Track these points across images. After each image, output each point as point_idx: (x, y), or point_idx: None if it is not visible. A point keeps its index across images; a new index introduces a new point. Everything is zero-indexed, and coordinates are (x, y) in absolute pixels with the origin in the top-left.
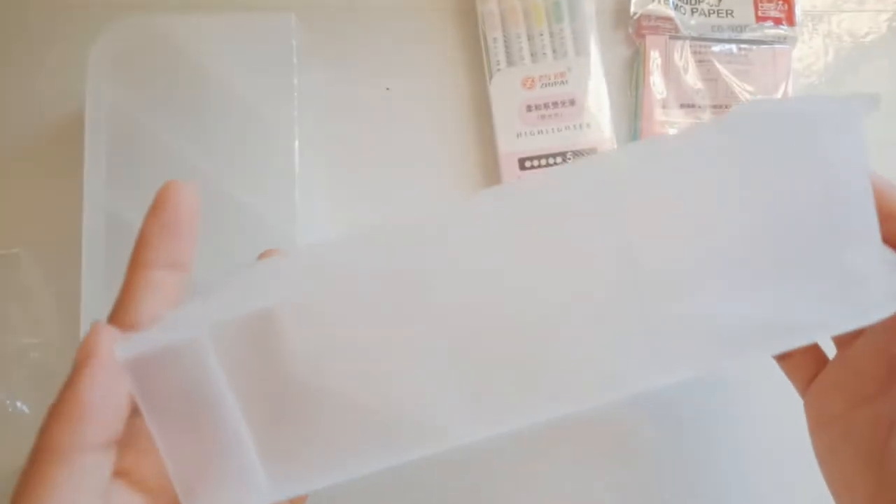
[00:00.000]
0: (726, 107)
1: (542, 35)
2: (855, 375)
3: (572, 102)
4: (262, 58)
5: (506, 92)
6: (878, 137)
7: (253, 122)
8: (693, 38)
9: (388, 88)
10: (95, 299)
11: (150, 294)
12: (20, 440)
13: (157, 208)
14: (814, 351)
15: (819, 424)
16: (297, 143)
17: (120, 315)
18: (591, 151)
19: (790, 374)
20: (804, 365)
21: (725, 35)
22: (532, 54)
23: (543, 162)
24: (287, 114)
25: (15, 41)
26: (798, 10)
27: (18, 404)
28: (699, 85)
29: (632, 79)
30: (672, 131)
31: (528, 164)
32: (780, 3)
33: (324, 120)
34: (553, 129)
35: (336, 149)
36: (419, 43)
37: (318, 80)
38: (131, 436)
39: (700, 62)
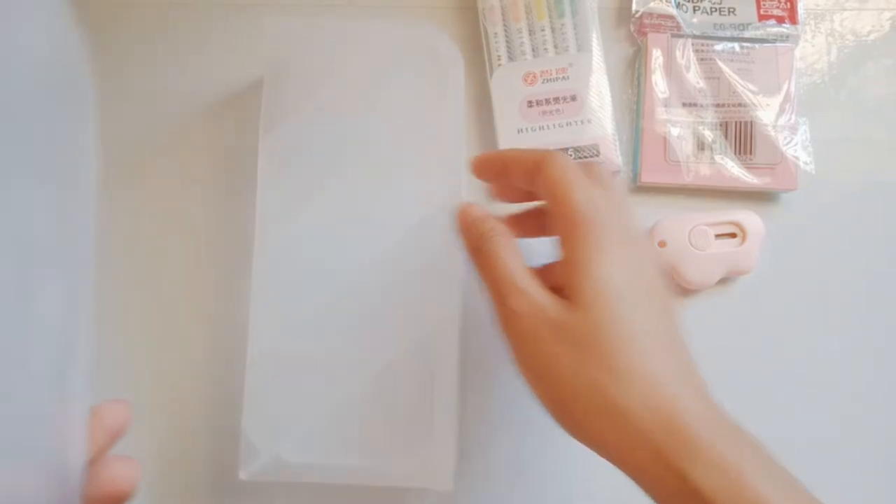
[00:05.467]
0: (728, 105)
1: (543, 30)
2: None
3: (573, 98)
4: None
5: (507, 87)
6: (885, 140)
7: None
8: (695, 37)
9: None
10: None
11: None
12: None
13: None
14: None
15: None
16: None
17: None
18: (593, 147)
19: None
20: None
21: (728, 33)
22: (533, 49)
23: None
24: None
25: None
26: (800, 9)
27: None
28: (701, 83)
29: (633, 77)
30: (674, 130)
31: None
32: (783, 1)
33: None
34: (554, 125)
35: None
36: None
37: None
38: None
39: (702, 60)
